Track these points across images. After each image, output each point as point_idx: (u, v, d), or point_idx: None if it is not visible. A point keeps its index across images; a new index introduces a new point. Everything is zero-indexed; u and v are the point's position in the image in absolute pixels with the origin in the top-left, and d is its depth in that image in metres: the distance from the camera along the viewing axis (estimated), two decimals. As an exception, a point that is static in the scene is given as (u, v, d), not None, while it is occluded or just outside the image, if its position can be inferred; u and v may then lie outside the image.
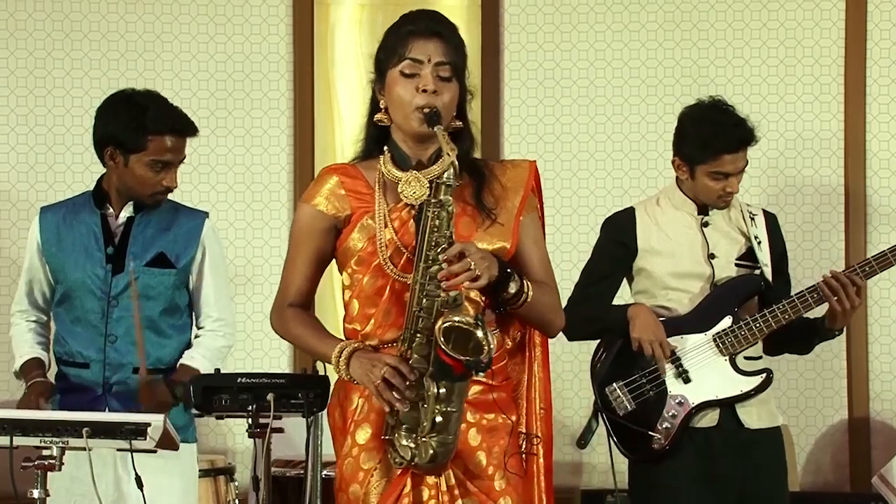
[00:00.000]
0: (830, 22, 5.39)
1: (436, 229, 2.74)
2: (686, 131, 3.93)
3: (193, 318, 3.89)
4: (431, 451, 2.72)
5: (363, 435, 2.84)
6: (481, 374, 2.69)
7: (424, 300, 2.73)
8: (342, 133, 5.42)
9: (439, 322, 2.67)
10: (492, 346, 2.66)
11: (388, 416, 2.77)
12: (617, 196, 5.34)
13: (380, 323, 2.84)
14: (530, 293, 2.84)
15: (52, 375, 3.84)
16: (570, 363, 5.25)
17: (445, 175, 2.75)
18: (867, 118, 5.37)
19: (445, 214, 2.74)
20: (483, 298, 2.86)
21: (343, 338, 2.91)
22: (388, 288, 2.83)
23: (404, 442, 2.74)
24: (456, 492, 2.80)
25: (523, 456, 2.91)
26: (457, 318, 2.66)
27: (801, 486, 5.26)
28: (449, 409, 2.70)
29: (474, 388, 2.83)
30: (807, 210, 5.37)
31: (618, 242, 4.00)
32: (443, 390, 2.69)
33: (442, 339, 2.65)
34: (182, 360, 3.77)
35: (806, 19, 5.40)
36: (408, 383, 2.71)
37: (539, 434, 2.95)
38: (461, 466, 2.82)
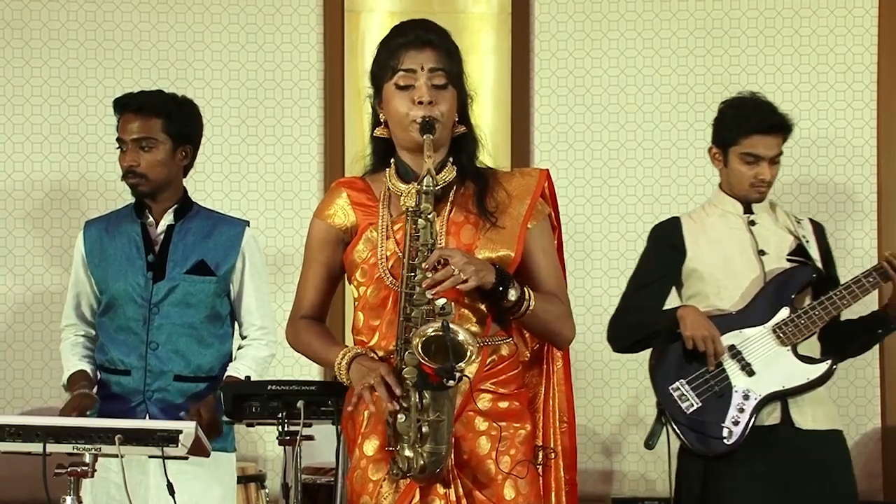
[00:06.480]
0: (863, 28, 5.36)
1: (416, 238, 2.75)
2: (723, 116, 4.01)
3: (235, 327, 3.92)
4: (422, 462, 2.71)
5: (371, 446, 2.84)
6: (452, 381, 2.61)
7: (413, 310, 2.73)
8: (373, 141, 5.42)
9: (415, 334, 2.66)
10: (471, 349, 2.64)
11: (388, 428, 2.76)
12: (647, 204, 5.33)
13: (384, 334, 2.85)
14: (532, 302, 2.82)
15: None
16: (600, 371, 5.24)
17: (425, 183, 2.75)
18: (900, 125, 5.34)
19: (424, 222, 2.75)
20: (486, 308, 2.84)
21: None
22: (391, 299, 2.83)
23: (405, 453, 2.73)
24: (465, 501, 2.79)
25: (539, 468, 2.89)
26: (429, 330, 2.65)
27: (834, 495, 5.22)
28: (435, 418, 2.68)
29: (485, 397, 2.83)
30: (839, 218, 5.34)
31: (667, 245, 4.00)
32: (425, 400, 2.67)
33: (420, 349, 2.64)
34: (228, 372, 3.80)
35: (838, 26, 5.37)
36: (398, 393, 2.69)
37: (558, 448, 2.94)
38: (470, 475, 2.81)
